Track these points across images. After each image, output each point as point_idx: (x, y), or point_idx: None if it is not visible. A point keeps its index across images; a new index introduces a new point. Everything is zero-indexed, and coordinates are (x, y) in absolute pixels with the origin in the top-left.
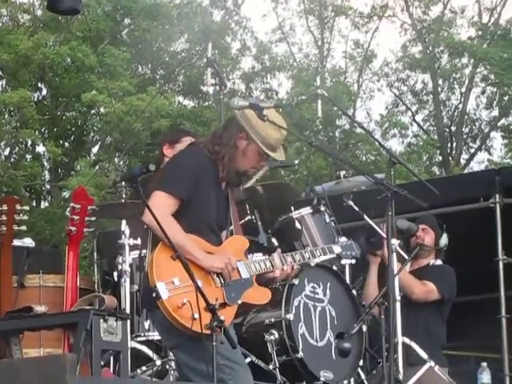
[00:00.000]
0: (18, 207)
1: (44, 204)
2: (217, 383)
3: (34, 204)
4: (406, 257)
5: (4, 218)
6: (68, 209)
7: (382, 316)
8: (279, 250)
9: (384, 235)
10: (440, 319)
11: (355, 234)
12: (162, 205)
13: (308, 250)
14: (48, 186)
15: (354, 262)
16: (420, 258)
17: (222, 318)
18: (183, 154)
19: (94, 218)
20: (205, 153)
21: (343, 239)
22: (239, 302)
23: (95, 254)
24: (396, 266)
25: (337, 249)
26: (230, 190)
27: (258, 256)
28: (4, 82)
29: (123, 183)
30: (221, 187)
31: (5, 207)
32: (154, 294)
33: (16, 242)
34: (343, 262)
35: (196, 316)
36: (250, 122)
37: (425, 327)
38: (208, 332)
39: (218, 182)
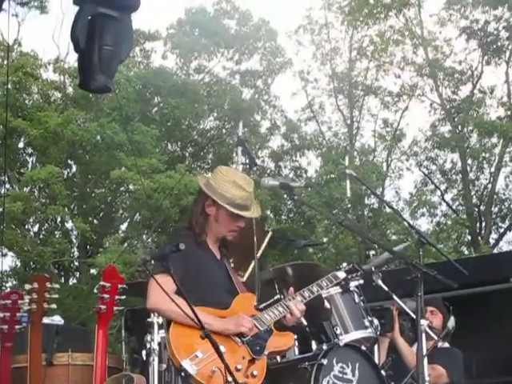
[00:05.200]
0: (49, 285)
1: (72, 280)
2: None
3: (63, 280)
4: (435, 337)
5: (35, 296)
6: (96, 286)
7: None
8: (291, 290)
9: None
10: None
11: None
12: (163, 285)
13: (314, 283)
14: (76, 263)
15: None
16: (427, 341)
17: (255, 372)
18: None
19: (124, 297)
20: (186, 234)
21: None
22: (266, 352)
23: (123, 331)
24: (425, 346)
25: (341, 274)
26: (226, 259)
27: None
28: (34, 159)
29: (153, 261)
30: (216, 258)
31: (35, 285)
32: (182, 374)
33: (45, 320)
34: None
35: (230, 379)
36: (212, 188)
37: None
38: None
39: (211, 256)
